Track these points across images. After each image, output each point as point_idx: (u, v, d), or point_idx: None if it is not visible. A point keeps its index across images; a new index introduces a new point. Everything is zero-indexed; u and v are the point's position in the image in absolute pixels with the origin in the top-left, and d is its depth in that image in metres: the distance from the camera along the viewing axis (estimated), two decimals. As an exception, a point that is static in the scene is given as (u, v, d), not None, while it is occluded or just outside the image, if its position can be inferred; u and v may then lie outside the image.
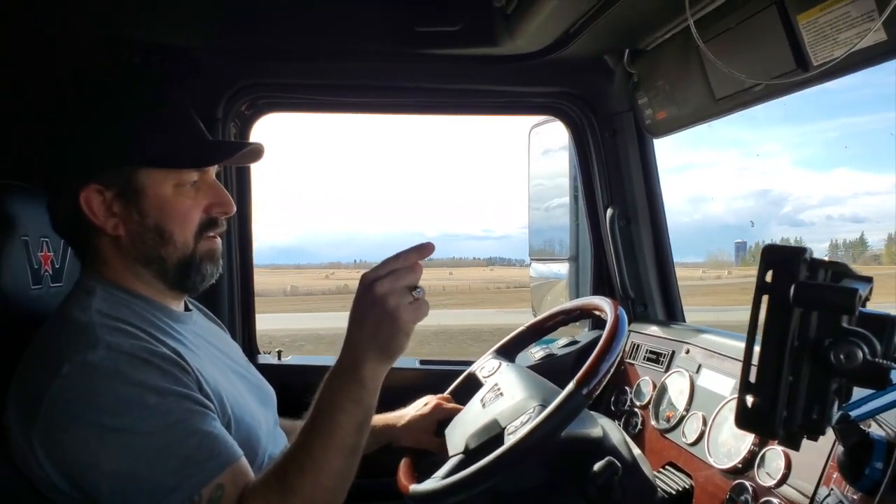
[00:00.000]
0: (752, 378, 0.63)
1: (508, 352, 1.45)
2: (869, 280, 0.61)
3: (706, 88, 1.40)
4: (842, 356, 0.58)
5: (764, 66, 1.16)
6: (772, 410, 0.60)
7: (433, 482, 1.06)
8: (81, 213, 0.99)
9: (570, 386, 1.02)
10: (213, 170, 1.08)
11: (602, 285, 1.90)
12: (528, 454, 0.99)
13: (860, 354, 0.57)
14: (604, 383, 1.04)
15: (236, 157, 1.12)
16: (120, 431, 0.87)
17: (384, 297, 0.89)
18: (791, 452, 1.07)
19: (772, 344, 0.61)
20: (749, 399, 0.63)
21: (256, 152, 1.14)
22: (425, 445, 1.31)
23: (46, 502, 0.93)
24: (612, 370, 1.05)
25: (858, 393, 0.74)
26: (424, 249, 0.93)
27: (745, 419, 0.63)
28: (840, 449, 0.88)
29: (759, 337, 0.65)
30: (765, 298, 0.62)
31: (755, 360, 0.63)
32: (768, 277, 0.62)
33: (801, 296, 0.57)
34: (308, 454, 0.90)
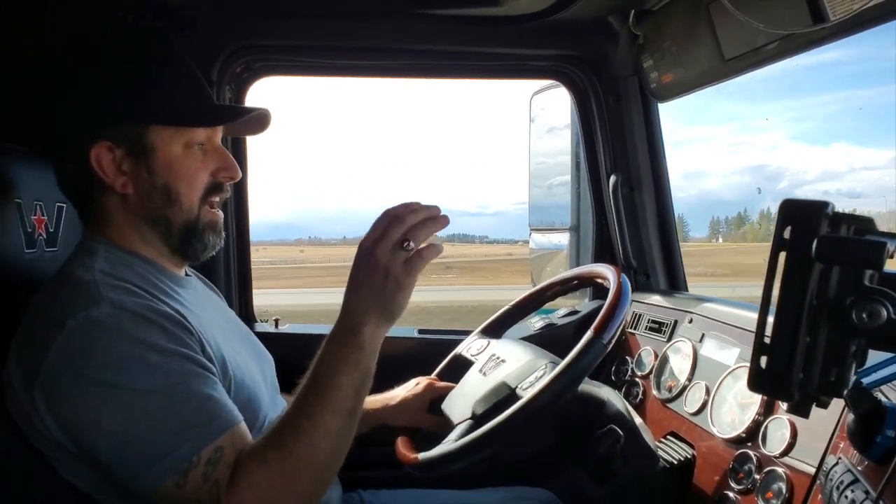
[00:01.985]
0: (767, 339, 0.60)
1: (495, 330, 1.43)
2: (894, 236, 0.57)
3: (715, 48, 1.35)
4: (864, 315, 0.55)
5: (779, 20, 1.11)
6: (788, 372, 0.57)
7: (445, 446, 1.05)
8: (90, 171, 0.98)
9: (589, 334, 1.01)
10: (219, 134, 1.08)
11: (604, 254, 1.87)
12: (547, 406, 0.98)
13: (884, 313, 0.54)
14: (618, 334, 1.02)
15: (242, 123, 1.12)
16: (121, 388, 0.86)
17: (376, 256, 0.88)
18: (797, 421, 1.05)
19: (789, 303, 0.58)
20: (763, 361, 0.60)
21: (263, 119, 1.14)
22: (419, 424, 1.31)
23: (46, 461, 0.93)
24: (621, 328, 1.04)
25: (870, 360, 0.71)
26: (409, 204, 0.91)
27: (759, 382, 0.60)
28: (850, 417, 0.85)
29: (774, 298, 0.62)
30: (782, 256, 0.59)
31: (769, 322, 0.60)
32: (786, 234, 0.58)
33: (825, 250, 0.54)
34: (306, 415, 0.90)
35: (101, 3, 1.42)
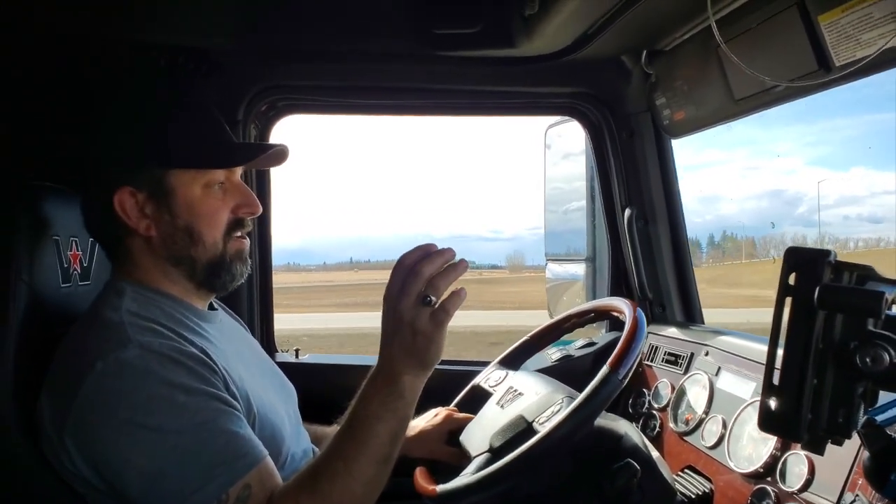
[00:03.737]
0: (776, 381, 0.62)
1: (512, 362, 1.44)
2: (895, 283, 0.60)
3: (725, 89, 1.38)
4: (868, 359, 0.57)
5: (785, 66, 1.15)
6: (796, 414, 0.59)
7: (463, 479, 1.05)
8: (115, 215, 1.01)
9: (605, 369, 1.02)
10: (238, 171, 1.10)
11: (619, 286, 1.89)
12: (563, 441, 0.98)
13: (887, 357, 0.56)
14: (633, 368, 1.03)
15: (261, 158, 1.15)
16: (150, 429, 0.88)
17: (400, 313, 0.88)
18: (814, 457, 1.06)
19: (796, 346, 0.60)
20: (773, 402, 0.62)
21: (281, 155, 1.16)
22: (437, 455, 1.31)
23: (77, 497, 0.95)
24: (637, 362, 1.05)
25: (884, 398, 0.73)
26: (428, 248, 0.90)
27: (768, 422, 0.62)
28: (866, 454, 0.86)
29: (782, 340, 0.64)
30: (788, 301, 0.62)
31: (778, 362, 0.62)
32: (791, 280, 0.61)
33: (827, 299, 0.57)
34: (341, 459, 0.91)
35: (136, 49, 1.50)
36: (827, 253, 0.60)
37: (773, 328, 0.64)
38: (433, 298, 0.88)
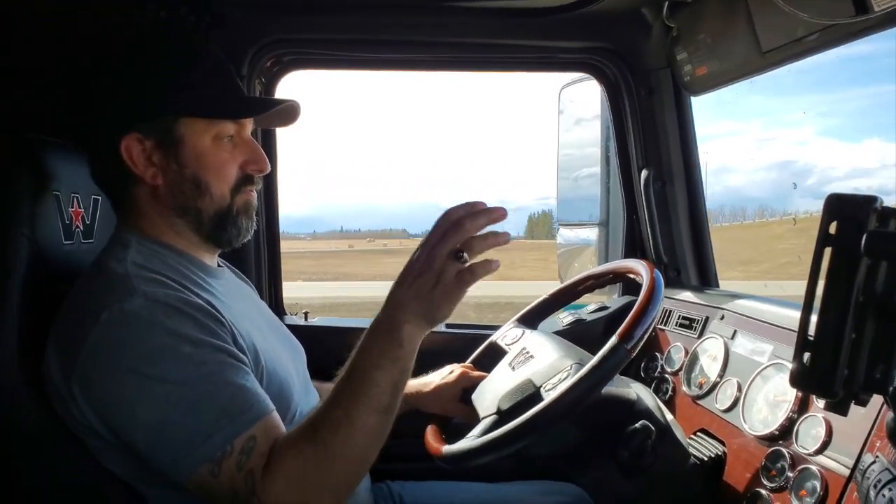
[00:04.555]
0: (811, 336, 0.59)
1: (531, 320, 1.43)
2: (947, 231, 0.56)
3: (753, 40, 1.32)
4: (914, 310, 0.54)
5: (821, 10, 1.09)
6: (832, 369, 0.56)
7: (468, 441, 1.05)
8: (121, 162, 1.00)
9: (613, 340, 1.00)
10: (249, 127, 1.09)
11: (634, 250, 1.85)
12: (568, 410, 0.97)
13: (934, 309, 0.53)
14: (644, 339, 1.01)
15: (271, 115, 1.12)
16: (155, 379, 0.88)
17: (432, 259, 0.88)
18: (832, 419, 1.04)
19: (835, 299, 0.57)
20: (807, 357, 0.59)
21: (292, 112, 1.14)
22: (451, 412, 1.32)
23: (85, 450, 0.96)
24: (651, 329, 1.02)
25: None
26: (475, 205, 0.89)
27: (801, 379, 0.59)
28: (889, 415, 0.83)
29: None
30: (827, 252, 0.58)
31: (813, 318, 0.59)
32: (832, 229, 0.57)
33: (876, 245, 0.53)
34: (342, 409, 0.90)
35: None
36: (873, 199, 0.56)
37: (809, 280, 0.60)
38: (466, 256, 0.88)
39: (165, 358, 0.89)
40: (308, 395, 1.17)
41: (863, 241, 0.53)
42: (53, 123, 1.17)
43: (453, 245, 0.87)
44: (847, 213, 0.57)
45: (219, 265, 1.16)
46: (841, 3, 1.04)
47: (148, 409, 0.88)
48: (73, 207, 1.17)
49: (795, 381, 0.60)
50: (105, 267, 0.97)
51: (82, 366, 0.89)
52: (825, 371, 0.57)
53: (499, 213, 0.90)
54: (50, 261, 1.09)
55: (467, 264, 0.88)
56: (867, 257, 0.55)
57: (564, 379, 1.06)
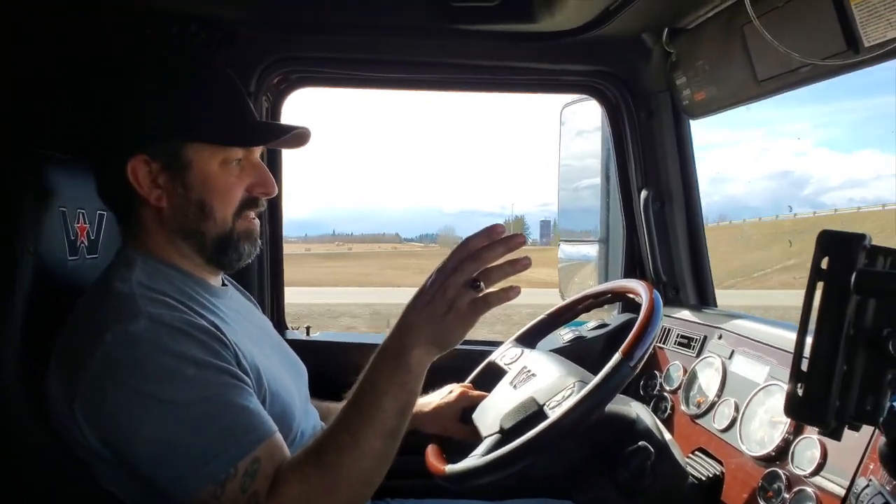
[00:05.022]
0: (804, 367, 0.62)
1: (529, 339, 1.44)
2: (931, 268, 0.59)
3: (748, 69, 1.35)
4: (901, 347, 0.56)
5: (812, 46, 1.12)
6: (824, 400, 0.59)
7: (472, 461, 1.05)
8: (126, 183, 1.00)
9: (617, 357, 1.01)
10: (258, 150, 1.09)
11: (633, 268, 1.88)
12: (572, 428, 0.98)
13: (921, 345, 0.55)
14: (646, 357, 1.02)
15: (282, 140, 1.12)
16: (159, 401, 0.88)
17: (447, 286, 0.88)
18: (827, 442, 1.05)
19: (827, 332, 0.59)
20: (800, 388, 0.61)
21: (302, 136, 1.14)
22: (451, 432, 1.31)
23: (85, 469, 0.95)
24: (652, 348, 1.04)
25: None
26: (492, 232, 0.90)
27: (796, 408, 0.62)
28: (882, 441, 0.86)
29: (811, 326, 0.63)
30: (819, 285, 0.61)
31: (807, 348, 0.61)
32: (824, 264, 0.60)
33: (863, 284, 0.55)
34: (348, 433, 0.90)
35: (149, 16, 1.47)
36: (862, 237, 0.58)
37: (803, 313, 0.63)
38: (482, 285, 0.89)
39: (169, 379, 0.88)
40: (308, 416, 1.17)
41: (852, 280, 0.56)
42: (61, 139, 1.18)
43: (469, 274, 0.88)
44: (837, 251, 0.59)
45: (223, 283, 1.16)
46: (832, 39, 1.07)
47: (151, 431, 0.87)
48: (78, 223, 1.17)
49: (789, 410, 0.63)
50: (110, 286, 0.97)
51: (85, 386, 0.89)
52: (818, 401, 0.60)
53: (517, 242, 0.90)
54: (54, 277, 1.10)
55: (482, 293, 0.89)
56: (856, 294, 0.57)
57: (568, 396, 1.06)
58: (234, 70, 1.11)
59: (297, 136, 1.14)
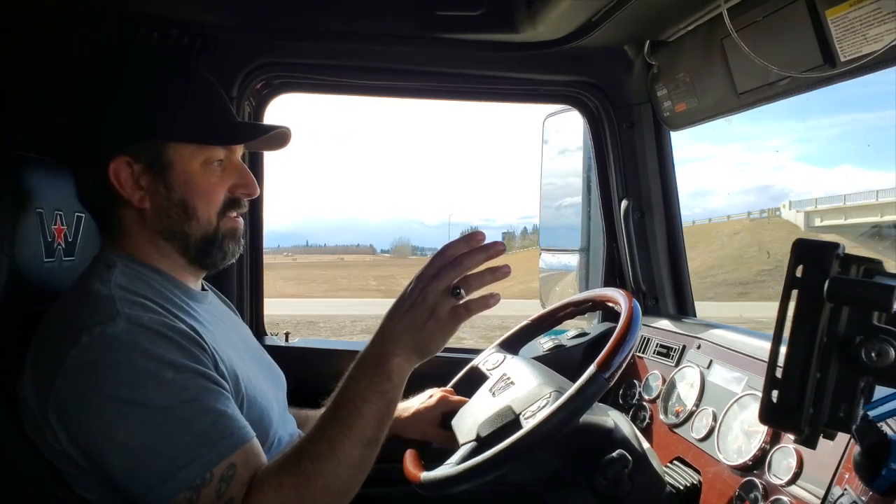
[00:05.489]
0: (779, 374, 0.62)
1: (512, 345, 1.44)
2: (902, 277, 0.60)
3: (728, 82, 1.38)
4: (873, 354, 0.57)
5: (790, 60, 1.15)
6: (798, 407, 0.59)
7: (446, 468, 1.05)
8: (108, 184, 0.99)
9: (591, 369, 1.01)
10: (239, 151, 1.09)
11: (613, 277, 1.89)
12: (546, 439, 0.98)
13: (892, 352, 0.56)
14: (622, 368, 1.02)
15: (262, 139, 1.12)
16: (135, 404, 0.86)
17: (426, 294, 0.89)
18: (803, 451, 1.06)
19: (800, 340, 0.59)
20: (775, 395, 0.62)
21: (282, 138, 1.14)
22: (431, 438, 1.31)
23: (58, 473, 0.94)
24: (629, 358, 1.04)
25: (877, 393, 0.73)
26: (472, 239, 0.90)
27: (770, 415, 0.62)
28: (856, 449, 0.86)
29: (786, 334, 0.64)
30: (794, 294, 0.61)
31: (781, 356, 0.62)
32: (798, 272, 0.60)
33: (836, 291, 0.56)
34: (326, 440, 0.90)
35: (129, 20, 1.46)
36: (835, 245, 0.59)
37: (777, 321, 0.63)
38: (462, 292, 0.89)
39: (146, 383, 0.87)
40: (286, 423, 1.16)
41: (825, 288, 0.56)
42: (39, 141, 1.16)
43: (449, 282, 0.88)
44: (811, 259, 0.60)
45: (203, 289, 1.15)
46: (809, 53, 1.09)
47: (125, 435, 0.86)
48: (55, 225, 1.15)
49: (764, 417, 0.63)
50: (88, 287, 0.96)
51: (59, 388, 0.87)
52: (791, 408, 0.60)
53: (497, 249, 0.91)
54: (29, 279, 1.08)
55: (463, 300, 0.89)
56: (829, 302, 0.58)
57: (543, 407, 1.06)
58: (215, 75, 1.11)
59: (278, 137, 1.14)
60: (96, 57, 1.20)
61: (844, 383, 0.60)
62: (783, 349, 0.63)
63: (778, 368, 0.63)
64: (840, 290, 0.56)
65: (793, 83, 1.19)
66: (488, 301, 0.90)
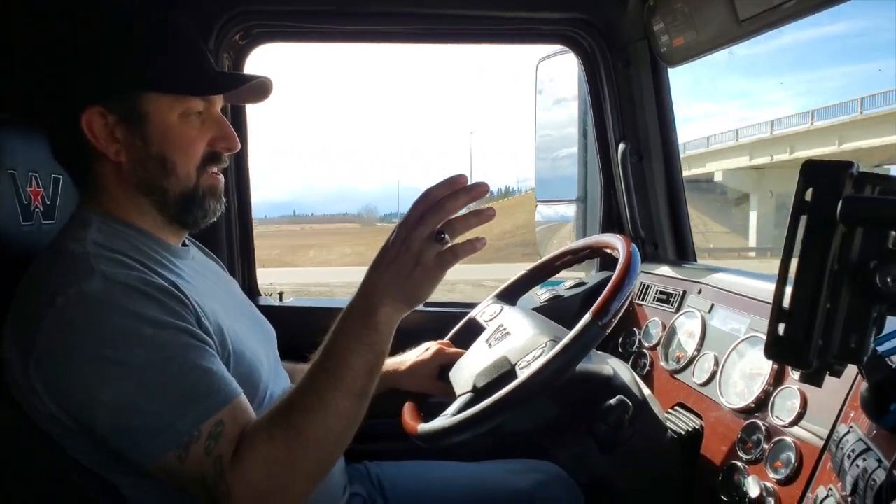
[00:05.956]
0: (786, 305, 0.58)
1: (510, 296, 1.42)
2: (921, 196, 0.55)
3: (729, 9, 1.30)
4: (889, 279, 0.52)
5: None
6: (807, 339, 0.55)
7: (443, 420, 1.04)
8: (82, 137, 0.95)
9: (587, 317, 0.99)
10: (218, 103, 1.04)
11: (612, 225, 1.85)
12: (541, 388, 0.97)
13: (910, 277, 0.52)
14: (619, 315, 0.99)
15: (242, 91, 1.07)
16: (115, 363, 0.84)
17: (410, 241, 0.85)
18: (807, 391, 1.04)
19: (809, 267, 0.55)
20: (781, 327, 0.58)
21: (263, 87, 1.09)
22: (428, 390, 1.30)
23: (45, 437, 0.92)
24: (627, 304, 1.01)
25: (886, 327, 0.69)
26: (454, 182, 0.86)
27: (776, 349, 0.58)
28: (864, 386, 0.84)
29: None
30: (803, 220, 0.56)
31: (789, 286, 0.58)
32: (808, 195, 0.56)
33: (851, 211, 0.51)
34: (316, 394, 0.88)
35: None
36: (849, 164, 0.54)
37: (785, 248, 0.59)
38: (447, 237, 0.85)
39: (126, 341, 0.85)
40: (278, 378, 1.14)
41: (838, 208, 0.51)
42: (7, 98, 1.12)
43: (432, 227, 0.85)
44: (822, 180, 0.55)
45: (184, 244, 1.12)
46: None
47: (109, 395, 0.84)
48: (31, 187, 1.12)
49: (770, 351, 0.59)
50: (62, 247, 0.93)
51: (39, 351, 0.85)
52: (800, 341, 0.56)
53: (480, 190, 0.87)
54: (7, 243, 1.05)
55: (448, 245, 0.86)
56: (843, 224, 0.53)
57: (539, 356, 1.04)
58: (192, 25, 1.05)
59: (259, 88, 1.09)
60: (65, 7, 1.14)
61: (856, 312, 0.56)
62: (790, 280, 0.59)
63: (785, 300, 0.59)
64: (855, 209, 0.51)
65: (798, 5, 1.12)
66: (475, 244, 0.87)
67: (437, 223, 0.85)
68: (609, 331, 0.99)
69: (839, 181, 0.54)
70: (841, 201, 0.52)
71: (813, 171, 0.56)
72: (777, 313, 0.58)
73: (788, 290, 0.59)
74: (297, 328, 1.33)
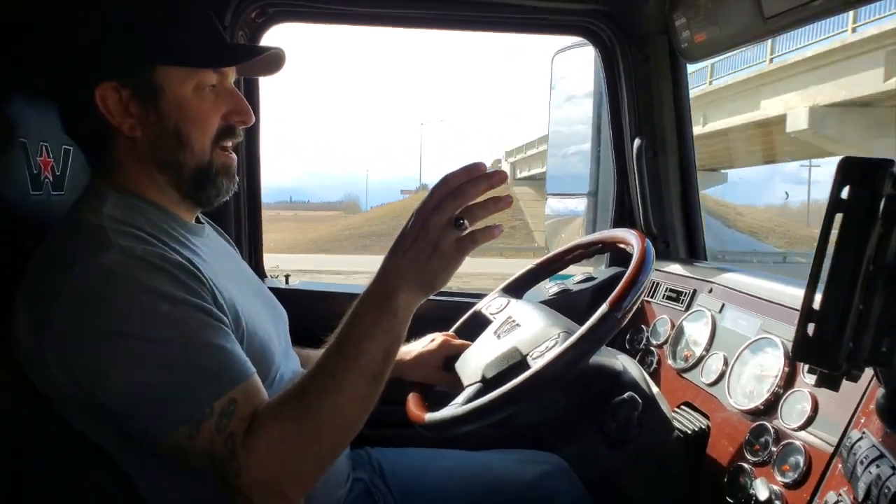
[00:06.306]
0: (817, 305, 0.56)
1: (516, 290, 1.41)
2: (963, 199, 0.53)
3: (755, 6, 1.28)
4: (926, 282, 0.51)
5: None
6: (837, 341, 0.54)
7: (452, 409, 1.03)
8: (96, 112, 0.94)
9: (604, 307, 0.97)
10: (231, 75, 1.04)
11: (623, 220, 1.83)
12: (554, 379, 0.95)
13: (949, 281, 0.50)
14: (634, 309, 0.98)
15: (255, 64, 1.07)
16: (131, 338, 0.84)
17: (428, 227, 0.85)
18: (819, 395, 1.03)
19: (844, 268, 0.54)
20: (811, 328, 0.56)
21: (276, 59, 1.08)
22: (433, 380, 1.30)
23: (54, 413, 0.91)
24: (641, 298, 1.00)
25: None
26: (473, 169, 0.86)
27: (804, 350, 0.57)
28: (880, 391, 0.82)
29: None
30: (837, 218, 0.55)
31: (821, 286, 0.56)
32: (844, 193, 0.54)
33: (894, 210, 0.50)
34: (331, 376, 0.88)
35: None
36: (890, 162, 0.52)
37: (818, 247, 0.57)
38: (466, 223, 0.86)
39: (142, 316, 0.85)
40: (289, 360, 1.14)
41: (881, 207, 0.50)
42: (20, 68, 1.11)
43: (451, 212, 0.85)
44: (861, 178, 0.53)
45: (199, 221, 1.11)
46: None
47: (123, 370, 0.84)
48: (41, 157, 1.12)
49: (797, 352, 0.58)
50: (79, 219, 0.93)
51: (54, 323, 0.85)
52: (829, 343, 0.55)
53: (499, 178, 0.87)
54: (17, 212, 1.05)
55: (467, 231, 0.86)
56: (882, 224, 0.52)
57: (552, 347, 1.03)
58: (208, 2, 1.05)
59: (272, 60, 1.09)
60: None
61: (889, 315, 0.54)
62: (822, 280, 0.58)
63: (815, 302, 0.58)
64: None
65: (827, 3, 1.10)
66: (493, 231, 0.87)
67: (456, 209, 0.85)
68: (625, 323, 0.98)
69: (879, 180, 0.53)
70: (885, 199, 0.50)
71: (850, 169, 0.54)
72: (807, 313, 0.57)
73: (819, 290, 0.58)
74: (302, 310, 1.33)
